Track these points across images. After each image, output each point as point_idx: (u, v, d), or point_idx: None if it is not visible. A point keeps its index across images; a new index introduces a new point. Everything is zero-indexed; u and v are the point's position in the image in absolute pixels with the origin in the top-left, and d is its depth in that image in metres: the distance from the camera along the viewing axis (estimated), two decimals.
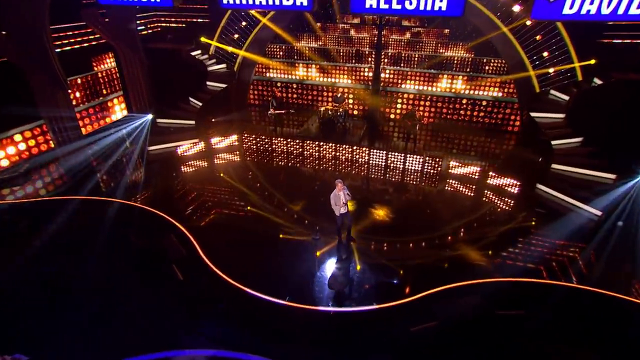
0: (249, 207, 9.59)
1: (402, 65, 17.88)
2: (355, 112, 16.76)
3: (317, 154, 12.72)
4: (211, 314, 6.78)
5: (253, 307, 6.90)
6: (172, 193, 10.62)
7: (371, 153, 12.30)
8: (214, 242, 8.37)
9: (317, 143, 12.78)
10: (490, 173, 11.20)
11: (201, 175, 11.57)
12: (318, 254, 7.95)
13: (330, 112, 14.39)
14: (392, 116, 16.27)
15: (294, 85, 17.12)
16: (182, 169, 11.99)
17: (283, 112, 14.27)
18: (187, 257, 7.98)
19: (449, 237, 8.57)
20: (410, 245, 8.30)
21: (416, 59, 17.77)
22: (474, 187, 10.98)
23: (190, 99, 15.03)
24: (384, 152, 12.17)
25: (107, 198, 10.01)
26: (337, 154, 12.64)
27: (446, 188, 10.97)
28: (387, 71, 16.76)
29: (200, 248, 8.18)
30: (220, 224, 9.04)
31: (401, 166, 11.94)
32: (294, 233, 8.57)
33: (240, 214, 9.37)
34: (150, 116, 14.41)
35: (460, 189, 10.91)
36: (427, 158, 11.82)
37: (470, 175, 11.40)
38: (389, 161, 12.11)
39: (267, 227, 8.80)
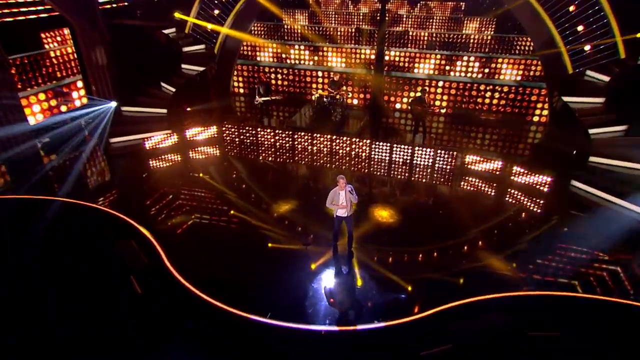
0: (229, 210, 9.49)
1: (409, 45, 17.78)
2: (356, 102, 16.57)
3: (310, 147, 12.63)
4: (175, 337, 6.41)
5: (228, 327, 6.57)
6: (135, 192, 10.45)
7: (373, 146, 12.20)
8: (185, 251, 8.16)
9: (310, 135, 12.72)
10: (515, 169, 11.06)
11: (173, 173, 11.47)
12: (313, 266, 7.75)
13: (325, 99, 14.24)
14: (397, 105, 16.10)
15: (285, 71, 16.97)
16: (150, 165, 11.86)
17: (271, 99, 14.15)
18: (149, 268, 7.68)
19: (467, 246, 8.40)
20: (421, 255, 8.14)
21: (426, 37, 17.65)
22: (495, 186, 10.86)
23: (162, 84, 14.94)
24: (389, 145, 12.07)
25: (51, 197, 9.81)
26: (334, 147, 12.54)
27: (462, 187, 10.87)
28: (393, 53, 16.56)
29: (167, 257, 7.87)
30: (195, 229, 8.88)
31: (409, 161, 11.86)
32: (282, 241, 8.44)
33: (219, 218, 9.26)
34: (113, 104, 14.23)
35: (479, 188, 10.78)
36: (439, 152, 11.69)
37: (491, 172, 11.27)
38: (395, 156, 12.00)
39: (251, 233, 8.68)
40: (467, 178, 11.19)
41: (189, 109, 14.87)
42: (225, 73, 16.64)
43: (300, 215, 9.13)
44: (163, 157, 12.22)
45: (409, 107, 13.31)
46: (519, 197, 10.36)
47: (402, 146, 11.97)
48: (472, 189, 10.78)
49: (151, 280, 7.42)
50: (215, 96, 16.07)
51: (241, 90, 17.73)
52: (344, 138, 12.46)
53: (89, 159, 12.08)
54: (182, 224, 9.01)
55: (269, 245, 8.40)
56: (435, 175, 11.41)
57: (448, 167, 11.60)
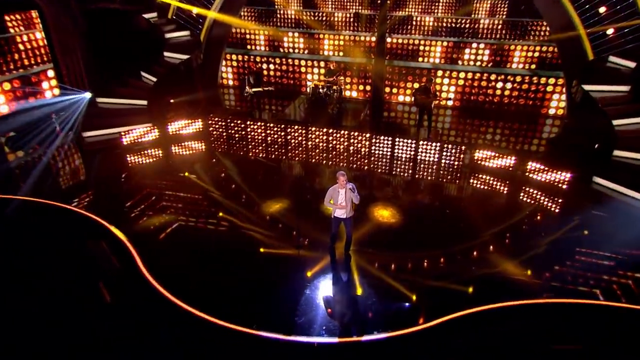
0: (216, 212, 9.39)
1: (413, 32, 17.61)
2: (355, 95, 16.40)
3: (304, 142, 12.52)
4: (149, 348, 6.13)
5: (209, 338, 6.31)
6: (110, 191, 10.30)
7: (374, 141, 12.15)
8: (165, 256, 7.96)
9: (304, 129, 12.66)
10: (531, 165, 10.98)
11: (153, 170, 11.37)
12: (308, 273, 7.56)
13: (321, 89, 14.07)
14: (400, 97, 15.95)
15: (277, 60, 16.78)
16: (128, 161, 11.75)
17: (262, 90, 13.99)
18: (122, 273, 7.45)
19: (478, 250, 8.27)
20: (426, 260, 8.00)
21: (431, 23, 17.49)
22: (508, 184, 10.78)
23: (143, 73, 14.71)
24: (391, 139, 12.03)
25: (12, 196, 9.66)
26: (331, 142, 12.44)
27: (472, 186, 10.80)
28: (395, 40, 16.37)
29: (142, 261, 7.61)
30: (177, 232, 8.71)
31: (413, 157, 11.80)
32: (274, 244, 8.35)
33: (204, 220, 9.11)
34: (88, 94, 13.95)
35: (491, 186, 10.72)
36: (446, 147, 11.67)
37: (504, 169, 11.21)
38: (398, 151, 11.92)
39: (239, 236, 8.56)
40: (477, 175, 11.11)
41: (172, 100, 14.75)
42: (213, 62, 16.39)
43: (293, 216, 8.96)
44: (142, 152, 12.10)
45: (413, 98, 13.02)
46: (535, 195, 10.24)
47: (406, 140, 11.92)
48: (483, 187, 10.69)
49: (124, 286, 7.15)
50: (202, 87, 15.88)
51: (230, 82, 17.56)
52: (342, 132, 12.32)
53: (58, 154, 11.87)
54: (163, 227, 8.79)
55: (260, 249, 8.20)
56: (442, 172, 11.32)
57: (456, 163, 11.48)
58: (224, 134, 12.98)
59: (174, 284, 7.11)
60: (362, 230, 8.66)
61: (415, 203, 10.02)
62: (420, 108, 12.78)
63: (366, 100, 15.96)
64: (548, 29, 15.98)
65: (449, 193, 10.62)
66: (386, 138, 12.07)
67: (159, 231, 8.65)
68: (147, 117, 13.30)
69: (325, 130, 12.43)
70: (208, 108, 14.47)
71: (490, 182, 10.81)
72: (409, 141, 11.97)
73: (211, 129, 13.17)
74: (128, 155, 11.87)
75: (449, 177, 11.16)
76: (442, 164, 11.47)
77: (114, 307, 6.82)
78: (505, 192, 10.48)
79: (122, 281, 7.30)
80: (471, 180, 10.92)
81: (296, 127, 12.62)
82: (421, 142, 11.89)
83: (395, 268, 7.83)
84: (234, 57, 17.13)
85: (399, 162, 11.65)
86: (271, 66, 16.85)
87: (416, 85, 15.36)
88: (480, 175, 11.06)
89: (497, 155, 11.31)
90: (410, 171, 11.37)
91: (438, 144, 11.79)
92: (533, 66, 15.51)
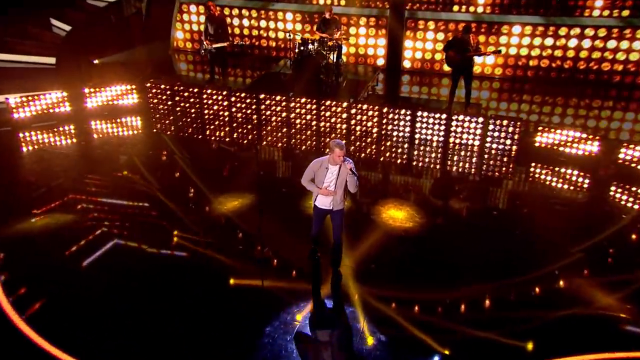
0: (145, 218, 9.45)
1: None
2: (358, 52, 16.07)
3: (283, 119, 12.56)
4: None
5: None
6: None
7: (387, 115, 11.94)
8: (57, 292, 7.51)
9: (284, 101, 12.48)
10: (624, 155, 10.75)
11: (59, 156, 11.35)
12: (299, 319, 7.14)
13: (311, 46, 13.78)
14: (426, 54, 15.71)
15: (254, 13, 16.48)
16: (23, 145, 11.80)
17: (227, 45, 13.67)
18: None
19: (541, 281, 7.90)
20: (461, 291, 7.64)
21: None
22: (585, 182, 10.82)
23: (52, 20, 14.68)
24: (410, 113, 11.77)
25: None
26: (323, 119, 12.33)
27: (529, 181, 10.93)
28: None
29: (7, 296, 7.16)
30: (83, 248, 8.42)
31: (443, 139, 11.73)
32: (227, 255, 8.26)
33: (131, 226, 9.10)
34: None
35: (558, 184, 10.73)
36: (494, 124, 11.36)
37: (578, 159, 11.12)
38: (421, 130, 11.80)
39: (180, 247, 8.59)
40: (541, 166, 11.09)
41: (95, 61, 14.72)
42: (161, 9, 16.40)
43: (258, 217, 8.69)
44: (45, 133, 12.12)
45: (444, 56, 12.51)
46: (625, 200, 10.21)
47: (432, 115, 11.64)
48: (550, 183, 10.74)
49: None
50: (140, 41, 15.96)
51: (185, 34, 17.27)
52: (341, 105, 12.07)
53: None
54: (56, 244, 8.42)
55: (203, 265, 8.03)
56: (485, 160, 11.31)
57: (506, 148, 11.31)
58: (171, 109, 13.05)
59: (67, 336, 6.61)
60: (362, 237, 8.52)
61: (444, 202, 10.09)
62: (455, 69, 12.14)
63: (377, 64, 15.73)
64: None
65: (497, 189, 10.73)
66: (403, 112, 11.71)
67: (51, 251, 8.17)
68: (55, 81, 13.17)
69: (312, 103, 12.13)
70: (150, 72, 14.40)
71: (562, 176, 10.82)
72: (437, 116, 11.53)
73: (152, 101, 13.14)
74: (24, 136, 11.92)
75: (496, 167, 11.17)
76: (486, 149, 11.38)
77: None
78: (578, 193, 10.55)
79: None
80: (531, 173, 10.96)
81: (273, 99, 12.38)
82: (455, 118, 11.45)
83: (417, 302, 7.42)
84: (192, 8, 16.66)
85: (421, 146, 11.72)
86: (245, 22, 16.53)
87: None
88: (545, 167, 11.08)
89: (571, 140, 11.08)
90: (437, 158, 11.44)
91: (480, 120, 11.34)
92: (626, 12, 14.67)
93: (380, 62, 15.87)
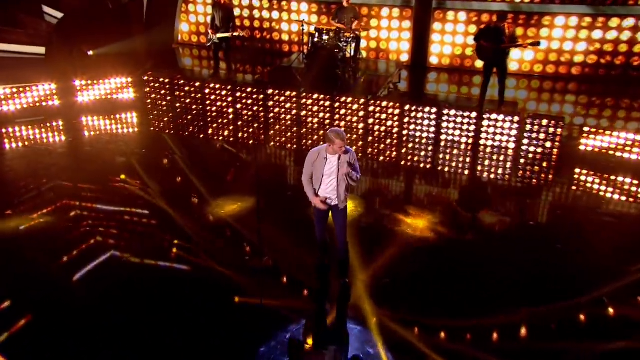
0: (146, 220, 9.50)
1: None
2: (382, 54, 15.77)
3: (292, 117, 12.52)
4: None
5: None
6: None
7: (408, 114, 11.84)
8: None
9: (295, 97, 12.49)
10: None
11: (45, 157, 11.23)
12: (308, 345, 6.97)
13: (325, 37, 13.58)
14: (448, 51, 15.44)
15: (265, 2, 16.48)
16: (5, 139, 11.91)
17: (232, 36, 13.67)
18: None
19: (584, 312, 7.48)
20: (492, 325, 7.20)
21: None
22: (636, 193, 10.61)
23: (44, 7, 14.81)
24: (435, 111, 11.69)
25: None
26: (338, 117, 12.30)
27: (579, 188, 10.80)
28: None
29: None
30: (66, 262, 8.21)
31: (472, 140, 11.62)
32: (222, 264, 8.16)
33: (119, 231, 9.08)
34: None
35: (605, 195, 10.48)
36: (531, 124, 11.23)
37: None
38: (447, 130, 11.71)
39: (171, 255, 8.47)
40: (582, 175, 10.93)
41: (90, 52, 14.77)
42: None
43: (256, 220, 8.60)
44: (30, 131, 12.17)
45: (475, 47, 12.24)
46: None
47: (460, 114, 11.54)
48: (592, 192, 10.59)
49: None
50: (138, 29, 16.01)
51: (193, 38, 17.23)
52: (357, 103, 12.00)
53: None
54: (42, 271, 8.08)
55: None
56: (520, 165, 11.14)
57: (546, 152, 11.10)
58: (171, 105, 13.09)
59: None
60: (377, 247, 8.35)
61: (472, 211, 9.97)
62: (487, 61, 11.82)
63: (399, 64, 15.36)
64: None
65: (535, 198, 10.52)
66: (427, 110, 11.63)
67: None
68: (44, 73, 13.10)
69: (326, 99, 12.17)
70: (149, 66, 14.49)
71: (612, 183, 10.61)
72: (466, 114, 11.41)
73: (151, 97, 13.18)
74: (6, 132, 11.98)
75: (534, 172, 11.03)
76: (522, 152, 11.25)
77: None
78: (638, 202, 10.28)
79: None
80: (575, 180, 10.81)
81: (282, 95, 12.46)
82: (487, 117, 11.35)
83: (438, 327, 7.11)
84: None
85: (447, 148, 11.64)
86: (257, 12, 16.46)
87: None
88: (592, 173, 10.88)
89: (623, 143, 10.80)
90: (466, 162, 11.38)
91: (515, 119, 11.16)
92: None
93: (404, 57, 15.62)
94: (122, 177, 10.62)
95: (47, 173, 10.60)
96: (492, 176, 11.02)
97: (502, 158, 11.25)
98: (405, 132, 11.72)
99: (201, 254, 8.38)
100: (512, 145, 11.14)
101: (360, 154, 11.49)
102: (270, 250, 8.10)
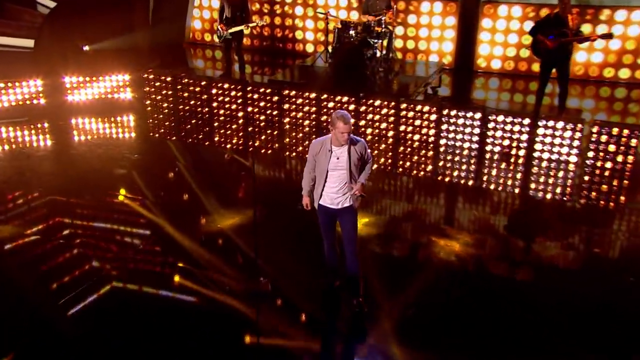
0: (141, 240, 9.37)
1: None
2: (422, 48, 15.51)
3: (311, 122, 12.42)
4: None
5: None
6: None
7: (447, 119, 11.62)
8: None
9: (316, 99, 12.38)
10: None
11: (22, 161, 11.28)
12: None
13: (352, 31, 13.41)
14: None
15: None
16: None
17: (246, 28, 13.90)
18: None
19: None
20: None
21: None
22: None
23: None
24: (480, 115, 11.41)
25: None
26: (367, 120, 12.12)
27: None
28: None
29: None
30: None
31: (525, 151, 11.27)
32: (213, 288, 7.94)
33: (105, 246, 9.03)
34: None
35: None
36: (595, 135, 10.78)
37: None
38: (492, 138, 11.39)
39: (157, 276, 8.39)
40: None
41: (86, 47, 14.88)
42: None
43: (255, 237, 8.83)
44: (12, 133, 12.24)
45: (531, 42, 11.90)
46: None
47: (511, 120, 11.22)
48: None
49: None
50: (139, 21, 16.35)
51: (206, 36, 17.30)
52: (387, 106, 11.78)
53: None
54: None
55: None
56: (584, 182, 10.70)
57: (617, 167, 10.62)
58: (177, 108, 13.06)
59: None
60: (401, 272, 8.21)
61: (522, 234, 9.60)
62: (545, 59, 11.36)
63: (440, 65, 15.08)
64: None
65: (601, 220, 10.05)
66: (470, 115, 11.31)
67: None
68: (33, 70, 13.17)
69: (350, 102, 11.98)
70: (152, 63, 14.55)
71: None
72: (517, 120, 11.03)
73: (153, 97, 13.16)
74: None
75: (600, 190, 10.50)
76: (587, 167, 10.81)
77: None
78: None
79: None
80: None
81: (303, 96, 12.35)
82: (543, 124, 10.90)
83: None
84: None
85: (493, 161, 11.35)
86: (278, 7, 16.49)
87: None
88: None
89: None
90: (516, 176, 11.09)
91: (578, 127, 10.61)
92: None
93: (447, 59, 15.36)
94: (108, 185, 10.47)
95: (21, 179, 10.53)
96: (549, 195, 10.54)
97: (561, 174, 10.74)
98: (443, 142, 11.41)
99: (192, 277, 8.06)
100: (573, 159, 10.66)
101: (389, 167, 11.43)
102: (272, 270, 7.92)
